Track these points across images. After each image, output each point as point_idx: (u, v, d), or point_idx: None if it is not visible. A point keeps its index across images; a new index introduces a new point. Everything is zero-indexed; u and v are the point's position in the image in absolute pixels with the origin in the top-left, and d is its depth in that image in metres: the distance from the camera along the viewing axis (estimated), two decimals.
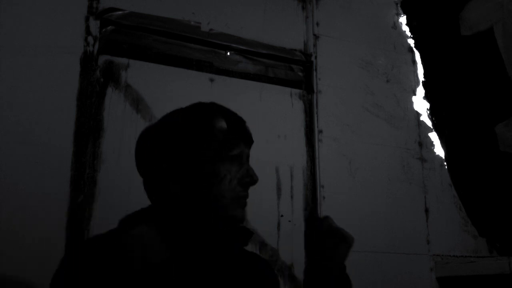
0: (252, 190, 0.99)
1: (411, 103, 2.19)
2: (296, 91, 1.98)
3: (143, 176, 0.99)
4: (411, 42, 2.30)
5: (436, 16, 2.32)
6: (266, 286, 1.02)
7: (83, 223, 1.49)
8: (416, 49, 2.29)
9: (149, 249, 0.85)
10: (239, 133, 0.97)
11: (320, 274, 1.00)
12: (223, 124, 0.95)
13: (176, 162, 0.93)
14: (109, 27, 1.71)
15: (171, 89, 1.73)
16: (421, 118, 2.18)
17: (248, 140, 1.00)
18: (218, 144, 0.94)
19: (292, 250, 1.75)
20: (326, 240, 1.01)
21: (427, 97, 2.22)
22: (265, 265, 1.08)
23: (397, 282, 1.87)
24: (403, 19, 2.32)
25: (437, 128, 2.19)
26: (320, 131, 1.94)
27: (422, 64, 2.27)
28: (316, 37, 2.07)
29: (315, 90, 1.99)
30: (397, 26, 2.29)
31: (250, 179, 0.96)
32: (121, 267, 0.80)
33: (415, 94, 2.21)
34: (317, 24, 2.09)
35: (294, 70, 2.01)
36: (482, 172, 2.12)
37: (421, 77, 2.26)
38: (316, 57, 2.04)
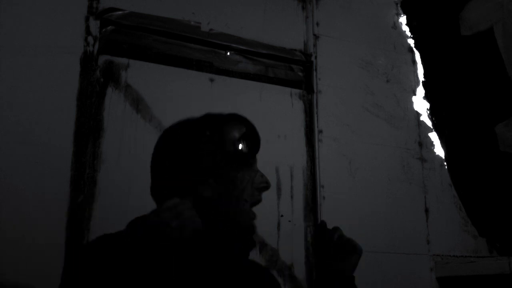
0: None
1: (411, 103, 2.19)
2: (296, 91, 1.97)
3: (153, 179, 0.98)
4: (411, 42, 2.30)
5: (436, 16, 2.32)
6: None
7: (83, 223, 1.48)
8: (416, 49, 2.29)
9: (186, 215, 0.81)
10: (256, 143, 1.01)
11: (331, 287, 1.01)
12: (246, 132, 0.99)
13: (205, 165, 0.93)
14: (109, 27, 1.71)
15: (171, 89, 1.73)
16: (421, 118, 2.18)
17: (258, 150, 1.03)
18: (243, 151, 0.97)
19: (292, 250, 1.75)
20: (337, 252, 1.02)
21: (427, 97, 2.22)
22: (264, 273, 1.08)
23: (397, 282, 1.87)
24: (403, 19, 2.32)
25: (437, 128, 2.18)
26: (320, 131, 1.94)
27: (422, 64, 2.27)
28: (316, 37, 2.07)
29: (315, 90, 1.99)
30: (397, 26, 2.29)
31: (266, 184, 0.99)
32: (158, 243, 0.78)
33: (415, 94, 2.21)
34: (317, 24, 2.09)
35: (294, 70, 2.01)
36: (482, 172, 2.12)
37: (421, 77, 2.25)
38: (316, 57, 2.04)
